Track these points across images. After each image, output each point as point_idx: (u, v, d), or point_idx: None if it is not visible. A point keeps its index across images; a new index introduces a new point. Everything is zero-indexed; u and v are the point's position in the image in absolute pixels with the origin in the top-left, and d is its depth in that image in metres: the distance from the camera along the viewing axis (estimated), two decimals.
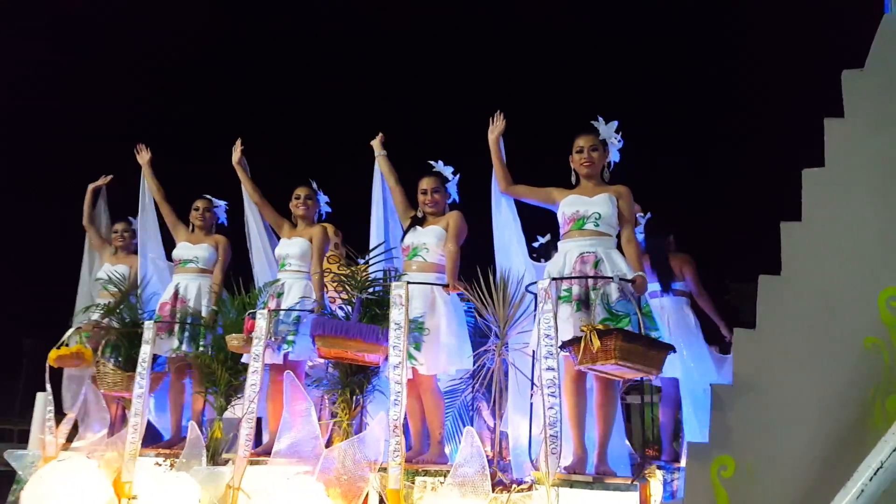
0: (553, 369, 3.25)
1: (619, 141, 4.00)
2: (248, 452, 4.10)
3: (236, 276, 5.09)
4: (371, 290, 4.30)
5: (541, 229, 5.38)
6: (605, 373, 3.32)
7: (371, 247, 4.60)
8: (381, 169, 4.80)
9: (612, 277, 3.53)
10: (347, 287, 4.32)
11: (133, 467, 4.49)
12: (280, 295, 4.67)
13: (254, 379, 4.18)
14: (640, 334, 3.22)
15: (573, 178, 4.02)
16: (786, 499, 2.81)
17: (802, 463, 2.81)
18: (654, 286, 4.72)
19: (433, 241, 4.28)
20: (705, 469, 2.88)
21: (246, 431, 4.10)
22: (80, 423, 5.47)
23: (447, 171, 4.55)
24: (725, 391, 2.98)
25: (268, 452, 4.24)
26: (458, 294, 4.18)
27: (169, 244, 5.57)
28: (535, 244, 5.36)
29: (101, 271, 5.71)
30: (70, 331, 5.25)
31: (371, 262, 4.42)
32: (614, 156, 4.01)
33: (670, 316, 4.82)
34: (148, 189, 5.60)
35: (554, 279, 3.54)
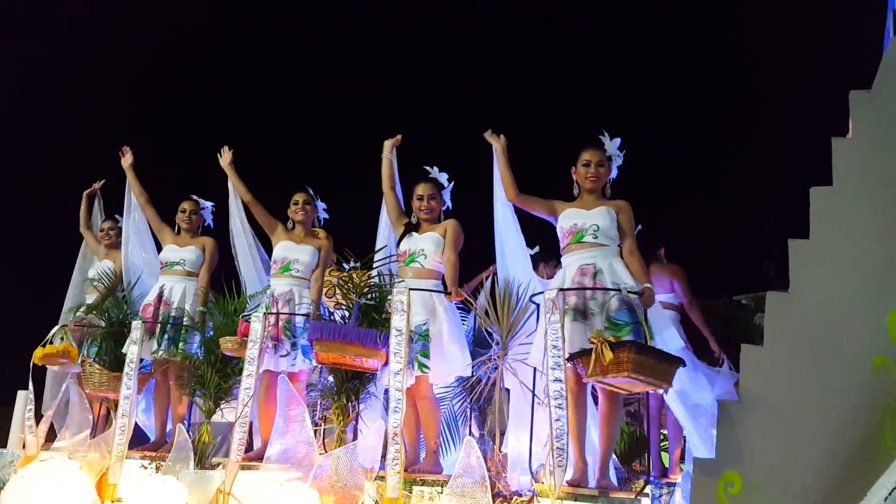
0: (560, 381, 3.22)
1: (621, 158, 4.00)
2: (240, 457, 4.01)
3: (223, 278, 5.01)
4: (370, 295, 4.24)
5: (530, 242, 5.36)
6: (613, 386, 3.30)
7: (376, 248, 4.53)
8: (383, 170, 4.63)
9: (610, 288, 3.52)
10: (346, 291, 4.25)
11: (120, 469, 4.39)
12: (290, 301, 4.57)
13: (248, 383, 4.10)
14: (653, 347, 3.20)
15: (575, 191, 4.00)
16: None
17: (810, 481, 2.79)
18: None
19: (431, 248, 4.21)
20: (712, 485, 2.85)
21: (239, 436, 4.02)
22: (55, 423, 5.34)
23: (442, 177, 4.48)
24: (733, 407, 2.97)
25: (260, 458, 4.17)
26: (457, 302, 4.13)
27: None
28: None
29: (91, 270, 5.66)
30: (55, 328, 5.14)
31: (374, 266, 4.36)
32: (614, 172, 4.01)
33: None
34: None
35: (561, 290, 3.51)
